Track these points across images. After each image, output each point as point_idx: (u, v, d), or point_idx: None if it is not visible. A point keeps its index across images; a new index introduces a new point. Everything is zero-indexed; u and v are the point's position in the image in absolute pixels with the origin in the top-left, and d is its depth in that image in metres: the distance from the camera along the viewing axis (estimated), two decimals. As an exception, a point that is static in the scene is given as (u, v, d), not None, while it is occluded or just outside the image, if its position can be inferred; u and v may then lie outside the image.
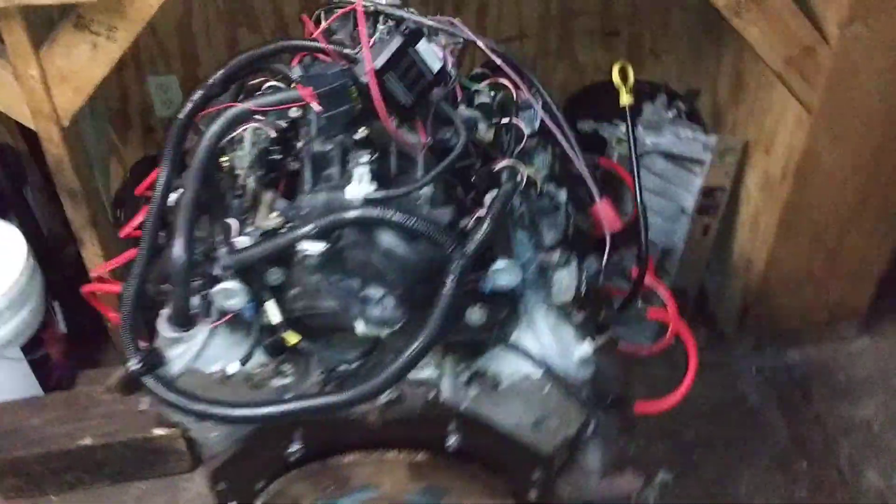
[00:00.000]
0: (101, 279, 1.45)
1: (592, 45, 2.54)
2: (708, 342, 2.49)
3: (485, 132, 1.35)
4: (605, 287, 1.38)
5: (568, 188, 1.39)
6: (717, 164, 2.14)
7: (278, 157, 1.30)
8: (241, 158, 1.29)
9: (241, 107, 1.25)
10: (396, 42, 1.12)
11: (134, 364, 1.19)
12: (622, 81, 1.46)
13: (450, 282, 1.06)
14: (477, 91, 1.47)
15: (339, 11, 1.33)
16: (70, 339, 2.34)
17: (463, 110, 1.33)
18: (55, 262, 2.32)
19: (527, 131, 1.41)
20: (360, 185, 1.09)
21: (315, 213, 1.12)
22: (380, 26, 1.37)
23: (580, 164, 1.40)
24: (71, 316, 2.35)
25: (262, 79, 1.41)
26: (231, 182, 1.30)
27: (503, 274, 1.15)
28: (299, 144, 1.24)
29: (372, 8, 1.39)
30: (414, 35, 1.15)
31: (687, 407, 1.56)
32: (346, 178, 1.14)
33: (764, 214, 2.13)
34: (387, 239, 1.08)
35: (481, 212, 1.15)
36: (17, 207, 2.32)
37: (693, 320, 2.49)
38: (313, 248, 1.07)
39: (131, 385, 1.22)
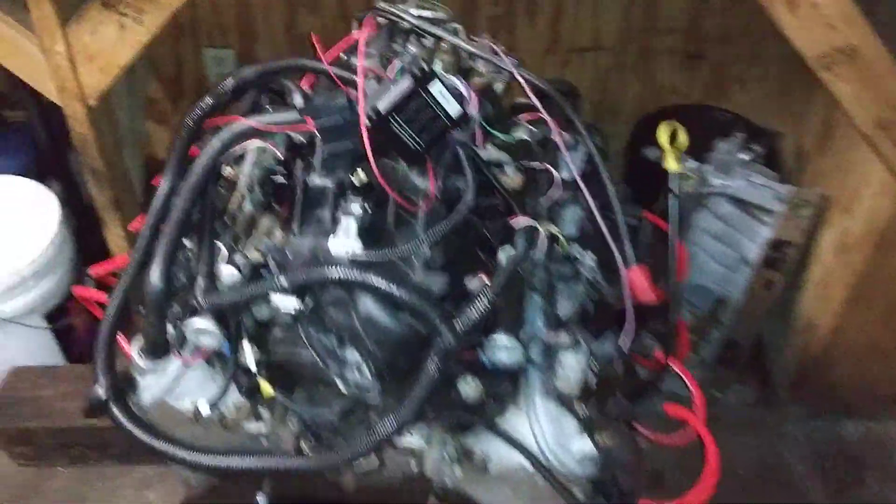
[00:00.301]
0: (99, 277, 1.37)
1: (673, 65, 2.34)
2: (758, 399, 2.30)
3: (512, 176, 1.21)
4: (629, 358, 1.22)
5: (599, 247, 1.23)
6: (791, 216, 1.94)
7: (282, 179, 1.19)
8: (243, 177, 1.18)
9: (244, 123, 1.14)
10: (404, 85, 0.99)
11: (100, 390, 1.11)
12: (669, 144, 1.28)
13: (432, 365, 0.93)
14: (514, 124, 1.33)
15: (354, 35, 1.19)
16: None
17: (489, 150, 1.19)
18: (94, 229, 2.29)
19: (562, 177, 1.26)
20: (345, 240, 0.97)
21: (298, 259, 1.00)
22: (410, 48, 1.25)
23: (619, 221, 1.25)
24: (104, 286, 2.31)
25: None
26: (230, 198, 1.20)
27: (503, 351, 1.02)
28: (298, 173, 1.12)
29: (407, 24, 1.26)
30: (426, 76, 1.01)
31: (723, 465, 1.40)
32: (334, 225, 1.02)
33: (835, 278, 1.92)
34: (368, 304, 0.96)
35: (484, 279, 1.01)
36: (58, 171, 2.29)
37: (744, 373, 2.32)
38: (286, 303, 0.96)
39: (98, 410, 1.14)
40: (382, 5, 1.36)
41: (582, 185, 1.24)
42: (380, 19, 1.36)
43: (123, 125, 1.82)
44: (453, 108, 1.03)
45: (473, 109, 1.08)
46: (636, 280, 1.21)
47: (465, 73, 1.31)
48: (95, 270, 1.36)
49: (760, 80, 2.31)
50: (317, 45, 1.18)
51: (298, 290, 0.96)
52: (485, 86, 1.30)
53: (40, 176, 2.18)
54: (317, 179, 1.08)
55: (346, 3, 2.28)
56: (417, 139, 1.01)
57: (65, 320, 2.17)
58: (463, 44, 1.23)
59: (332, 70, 1.11)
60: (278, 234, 1.13)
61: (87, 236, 2.14)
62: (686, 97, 2.37)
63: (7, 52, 1.54)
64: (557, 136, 1.30)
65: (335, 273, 0.93)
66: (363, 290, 0.95)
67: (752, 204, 1.97)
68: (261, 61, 1.26)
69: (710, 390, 2.21)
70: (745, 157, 1.99)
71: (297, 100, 1.10)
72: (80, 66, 1.54)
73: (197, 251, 1.13)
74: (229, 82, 1.20)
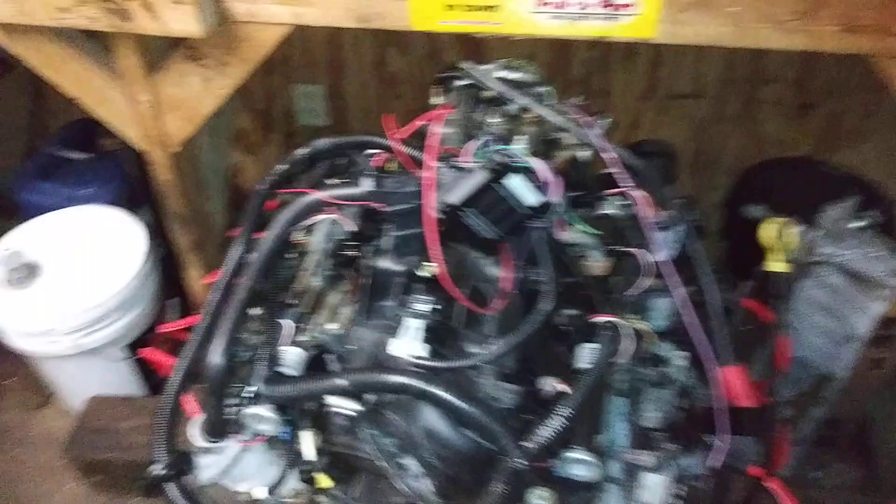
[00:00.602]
0: (163, 337, 1.34)
1: (778, 115, 2.19)
2: (860, 482, 2.12)
3: (597, 261, 1.12)
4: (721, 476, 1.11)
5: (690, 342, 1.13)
6: (908, 293, 1.76)
7: (354, 253, 1.13)
8: (313, 251, 1.13)
9: (315, 196, 1.09)
10: (479, 178, 0.91)
11: (158, 468, 1.08)
12: (777, 241, 1.16)
13: (499, 486, 0.85)
14: (601, 199, 1.24)
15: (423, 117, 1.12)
16: (178, 341, 2.31)
17: (571, 234, 1.10)
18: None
19: (654, 258, 1.16)
20: (409, 343, 0.90)
21: (361, 354, 0.94)
22: (492, 119, 1.17)
23: (716, 314, 1.14)
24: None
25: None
26: (298, 269, 1.15)
27: (579, 466, 0.93)
28: (369, 251, 1.05)
29: (492, 90, 1.19)
30: (503, 170, 0.93)
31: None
32: (400, 319, 0.95)
33: (956, 362, 1.74)
34: (431, 415, 0.89)
35: (560, 387, 0.92)
36: (150, 199, 2.31)
37: (847, 453, 2.14)
38: (346, 406, 0.89)
39: (154, 487, 1.11)
40: (465, 68, 1.30)
41: (675, 273, 1.14)
42: (460, 83, 1.30)
43: (207, 163, 1.81)
44: (533, 199, 0.95)
45: (556, 196, 1.00)
46: (733, 382, 1.10)
47: (551, 143, 1.24)
48: (164, 330, 1.34)
49: (876, 136, 2.13)
50: (390, 125, 1.11)
51: (359, 392, 0.89)
52: (571, 158, 1.22)
53: (132, 204, 2.21)
54: (385, 264, 1.02)
55: (435, 43, 2.23)
56: (492, 230, 0.94)
57: (146, 350, 2.18)
58: (548, 115, 1.15)
59: (403, 153, 1.04)
60: (345, 313, 1.07)
61: (172, 267, 2.15)
62: (792, 150, 2.21)
63: (95, 100, 1.55)
64: (648, 215, 1.20)
65: (396, 380, 0.86)
66: (426, 399, 0.88)
67: (864, 276, 1.80)
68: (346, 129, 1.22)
69: (808, 470, 2.05)
70: (859, 223, 1.82)
71: (368, 183, 1.04)
72: (164, 114, 1.53)
73: (261, 327, 1.09)
74: (303, 152, 1.16)
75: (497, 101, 1.22)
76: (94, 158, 2.35)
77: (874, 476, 2.13)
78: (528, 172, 1.02)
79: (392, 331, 0.93)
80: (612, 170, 1.23)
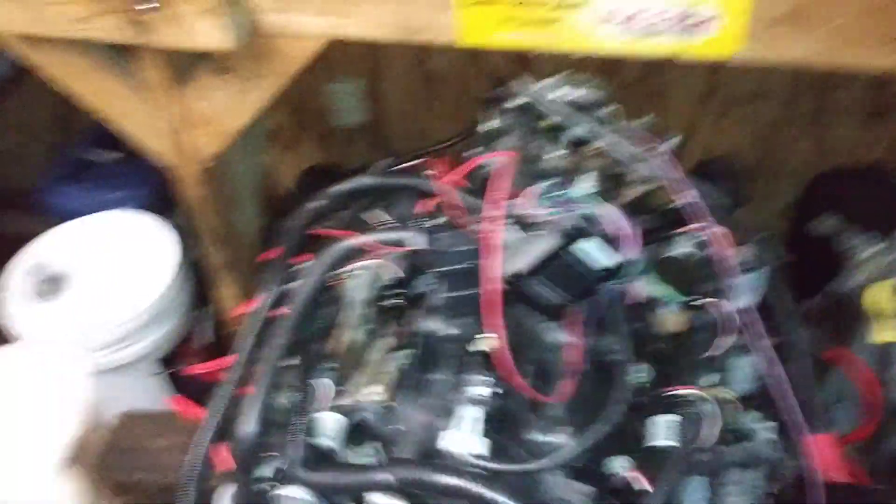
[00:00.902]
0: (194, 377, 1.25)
1: (850, 121, 2.02)
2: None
3: (674, 317, 0.99)
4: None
5: (778, 411, 0.99)
6: None
7: (398, 302, 1.02)
8: (354, 300, 1.02)
9: (353, 242, 0.98)
10: (547, 245, 0.79)
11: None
12: (888, 306, 1.02)
13: None
14: (671, 239, 1.11)
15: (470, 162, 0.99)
16: (213, 350, 2.22)
17: (643, 288, 0.97)
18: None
19: (737, 306, 1.03)
20: (464, 438, 0.78)
21: (408, 439, 0.83)
22: (553, 153, 1.04)
23: (806, 375, 1.01)
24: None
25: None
26: (336, 319, 1.04)
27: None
28: (416, 311, 0.94)
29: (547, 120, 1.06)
30: (577, 233, 0.81)
31: None
32: (453, 401, 0.84)
33: None
34: (488, 523, 0.77)
35: (636, 477, 0.80)
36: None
37: None
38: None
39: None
40: (519, 86, 1.17)
41: (759, 326, 1.01)
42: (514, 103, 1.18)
43: (239, 175, 1.70)
44: (608, 260, 0.82)
45: (633, 252, 0.87)
46: (824, 453, 0.97)
47: (619, 177, 1.11)
48: (191, 372, 1.24)
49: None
50: (438, 170, 0.99)
51: (406, 489, 0.78)
52: (642, 195, 1.09)
53: (163, 208, 2.11)
54: (435, 327, 0.90)
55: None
56: (560, 295, 0.81)
57: (180, 364, 2.10)
58: (619, 148, 1.02)
59: (458, 203, 0.91)
60: (389, 374, 0.96)
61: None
62: (866, 157, 2.05)
63: (118, 113, 1.44)
64: (729, 255, 1.07)
65: (451, 482, 0.74)
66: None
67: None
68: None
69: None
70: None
71: (418, 240, 0.92)
72: (193, 129, 1.43)
73: (295, 385, 0.98)
74: (341, 189, 1.04)
75: (558, 128, 1.09)
76: (123, 160, 2.24)
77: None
78: (599, 228, 0.89)
79: (445, 412, 0.82)
80: (684, 202, 1.09)
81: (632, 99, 1.95)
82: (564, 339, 0.88)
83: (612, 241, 0.86)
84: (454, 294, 0.87)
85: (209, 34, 1.19)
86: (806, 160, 2.08)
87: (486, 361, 0.84)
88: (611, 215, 0.87)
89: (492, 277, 0.79)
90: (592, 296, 0.86)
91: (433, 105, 2.26)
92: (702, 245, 1.10)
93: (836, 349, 1.31)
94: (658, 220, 1.16)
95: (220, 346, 2.11)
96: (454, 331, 0.89)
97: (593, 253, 0.81)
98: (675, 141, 1.18)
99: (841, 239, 1.79)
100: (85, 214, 2.02)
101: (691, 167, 1.62)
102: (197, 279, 2.01)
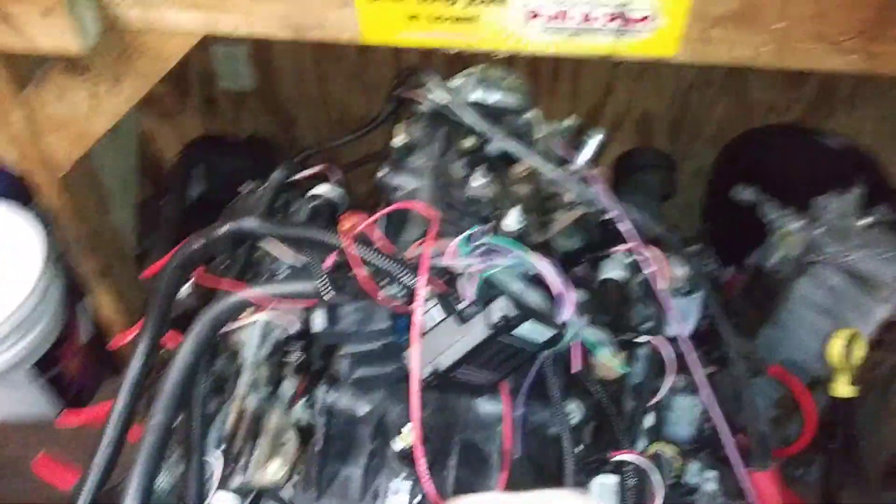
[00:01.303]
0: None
1: (770, 80, 1.94)
2: (845, 480, 2.02)
3: (609, 361, 0.89)
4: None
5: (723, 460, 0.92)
6: (915, 296, 1.59)
7: (299, 358, 0.88)
8: (246, 360, 0.87)
9: (244, 295, 0.82)
10: (474, 339, 0.66)
11: None
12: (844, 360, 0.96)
13: None
14: (603, 258, 1.00)
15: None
16: (92, 348, 2.02)
17: (588, 331, 0.86)
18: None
19: (674, 334, 0.94)
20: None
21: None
22: (478, 183, 0.90)
23: (749, 405, 0.94)
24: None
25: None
26: (230, 378, 0.89)
27: None
28: (320, 393, 0.80)
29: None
30: (509, 324, 0.67)
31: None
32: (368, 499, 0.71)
33: (963, 370, 1.60)
34: None
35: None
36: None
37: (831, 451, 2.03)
38: None
39: None
40: (430, 90, 1.01)
41: (697, 361, 0.92)
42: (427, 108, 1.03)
43: (109, 171, 1.49)
44: (544, 334, 0.70)
45: (570, 313, 0.75)
46: (764, 491, 0.91)
47: (548, 198, 0.98)
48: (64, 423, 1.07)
49: (876, 101, 1.91)
50: (345, 228, 0.82)
51: None
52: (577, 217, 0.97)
53: (22, 195, 1.85)
54: (344, 400, 0.77)
55: None
56: (491, 376, 0.70)
57: (55, 367, 1.89)
58: (546, 170, 0.89)
59: (364, 275, 0.76)
60: (289, 448, 0.82)
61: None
62: (784, 116, 1.98)
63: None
64: (664, 280, 0.97)
65: None
66: None
67: (869, 278, 1.63)
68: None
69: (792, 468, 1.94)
70: (866, 220, 1.63)
71: (318, 322, 0.77)
72: (45, 135, 1.21)
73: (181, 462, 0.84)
74: (225, 230, 0.87)
75: (477, 150, 0.95)
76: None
77: (862, 480, 2.03)
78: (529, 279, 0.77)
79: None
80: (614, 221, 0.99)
81: (546, 64, 1.82)
82: (492, 408, 0.76)
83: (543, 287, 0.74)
84: (363, 374, 0.74)
85: (52, 36, 0.97)
86: (724, 125, 2.00)
87: (408, 458, 0.72)
88: (545, 270, 0.75)
89: (415, 367, 0.66)
90: (526, 365, 0.75)
91: (333, 68, 2.05)
92: (635, 268, 1.01)
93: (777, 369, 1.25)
94: (586, 238, 1.06)
95: (101, 342, 1.91)
96: (366, 406, 0.76)
97: (529, 334, 0.69)
98: (600, 138, 1.07)
99: (763, 209, 1.73)
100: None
101: (619, 156, 1.53)
102: (69, 272, 1.79)
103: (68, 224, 1.38)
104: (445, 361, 0.65)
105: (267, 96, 2.15)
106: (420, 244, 0.76)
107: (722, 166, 2.01)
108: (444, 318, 0.68)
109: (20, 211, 1.74)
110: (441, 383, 0.67)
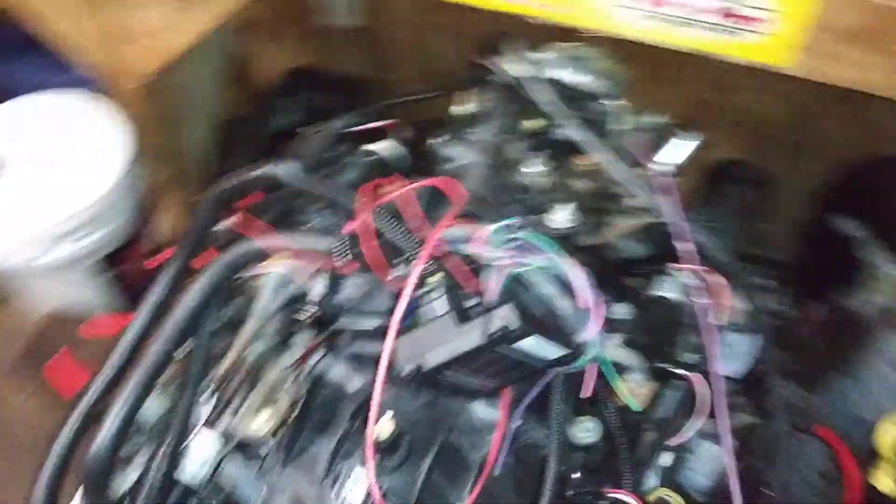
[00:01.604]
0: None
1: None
2: None
3: (638, 388, 0.81)
4: None
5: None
6: None
7: (310, 316, 0.84)
8: (255, 308, 0.84)
9: (256, 244, 0.78)
10: (469, 343, 0.59)
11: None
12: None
13: None
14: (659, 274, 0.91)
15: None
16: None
17: (616, 352, 0.78)
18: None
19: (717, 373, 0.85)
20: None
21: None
22: (532, 170, 0.83)
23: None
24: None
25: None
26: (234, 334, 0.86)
27: None
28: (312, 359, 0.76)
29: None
30: (510, 337, 0.60)
31: None
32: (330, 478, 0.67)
33: None
34: None
35: None
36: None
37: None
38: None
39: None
40: (506, 61, 0.94)
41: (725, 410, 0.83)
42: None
43: (190, 88, 1.46)
44: (555, 352, 0.63)
45: (594, 332, 0.67)
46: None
47: (609, 199, 0.90)
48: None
49: None
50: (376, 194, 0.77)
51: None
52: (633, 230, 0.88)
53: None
54: (336, 371, 0.72)
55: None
56: (487, 383, 0.64)
57: (121, 267, 1.93)
58: (614, 167, 0.81)
59: (375, 248, 0.70)
60: (282, 405, 0.79)
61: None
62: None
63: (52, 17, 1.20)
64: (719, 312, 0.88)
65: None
66: None
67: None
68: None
69: None
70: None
71: (317, 288, 0.72)
72: (129, 43, 1.19)
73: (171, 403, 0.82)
74: (258, 173, 0.83)
75: (541, 133, 0.87)
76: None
77: None
78: (558, 280, 0.70)
79: (318, 484, 0.66)
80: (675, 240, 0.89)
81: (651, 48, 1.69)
82: (486, 414, 0.70)
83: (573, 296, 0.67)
84: (358, 350, 0.69)
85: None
86: (844, 146, 1.83)
87: (387, 447, 0.67)
88: (576, 280, 0.67)
89: (382, 362, 0.60)
90: (534, 380, 0.68)
91: (441, 20, 1.97)
92: (689, 292, 0.91)
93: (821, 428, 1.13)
94: (652, 248, 0.97)
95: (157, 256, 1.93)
96: (355, 385, 0.71)
97: (532, 349, 0.62)
98: (694, 144, 0.97)
99: (863, 246, 1.58)
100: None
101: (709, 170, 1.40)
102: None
103: (143, 132, 1.38)
104: (432, 360, 0.60)
105: (372, 38, 2.10)
106: (446, 225, 0.69)
107: (833, 191, 1.85)
108: (446, 313, 0.62)
109: (113, 109, 1.76)
110: (425, 382, 0.61)
